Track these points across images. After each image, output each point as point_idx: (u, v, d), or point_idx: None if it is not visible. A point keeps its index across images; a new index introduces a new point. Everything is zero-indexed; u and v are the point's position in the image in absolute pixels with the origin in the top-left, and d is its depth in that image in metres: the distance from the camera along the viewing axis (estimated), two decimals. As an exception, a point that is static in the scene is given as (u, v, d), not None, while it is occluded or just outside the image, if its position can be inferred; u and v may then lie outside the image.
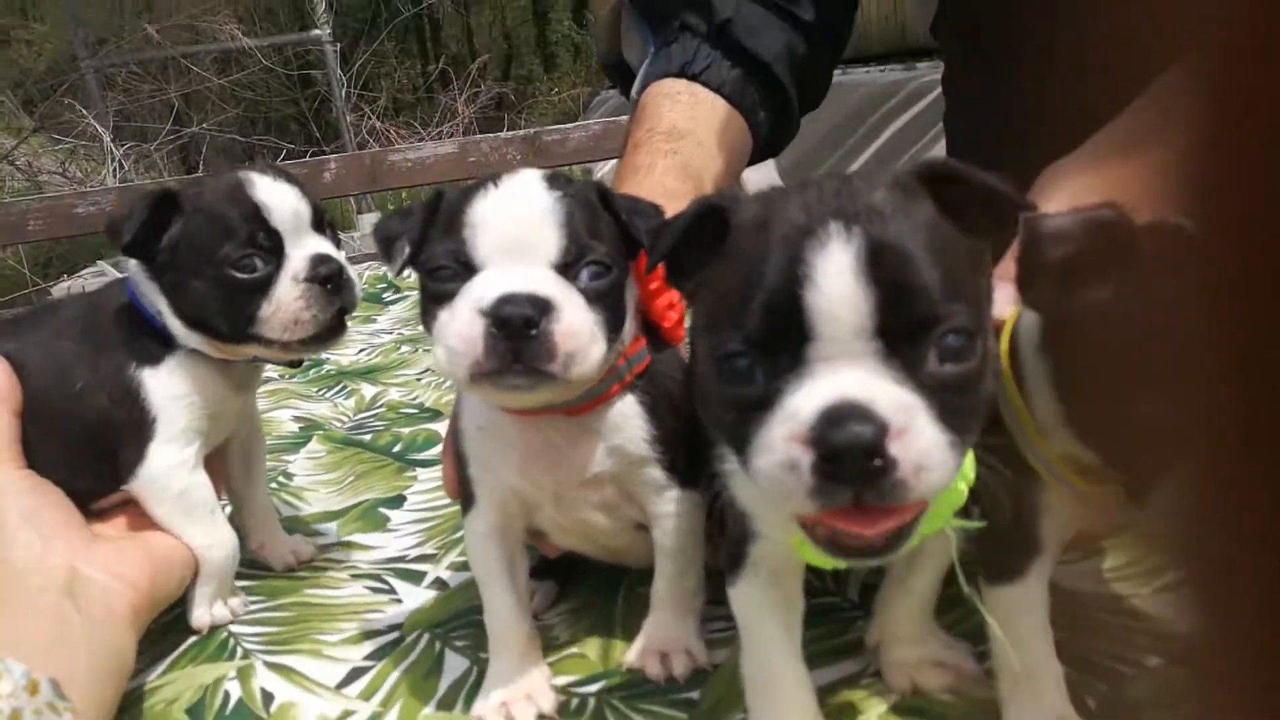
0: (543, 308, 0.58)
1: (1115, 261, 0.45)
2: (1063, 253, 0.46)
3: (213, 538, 0.80)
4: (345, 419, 1.37)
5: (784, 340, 0.44)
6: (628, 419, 0.67)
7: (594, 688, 0.69)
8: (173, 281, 0.77)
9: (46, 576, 0.68)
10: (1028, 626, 0.57)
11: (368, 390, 1.48)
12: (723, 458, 0.55)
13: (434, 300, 0.62)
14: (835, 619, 0.73)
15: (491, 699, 0.67)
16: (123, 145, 6.06)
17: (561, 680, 0.70)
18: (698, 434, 0.61)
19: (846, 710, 0.63)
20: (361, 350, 1.72)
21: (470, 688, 0.71)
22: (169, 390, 0.79)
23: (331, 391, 1.50)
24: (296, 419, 1.36)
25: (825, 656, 0.68)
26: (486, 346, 0.58)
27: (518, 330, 0.58)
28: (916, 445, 0.41)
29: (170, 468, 0.78)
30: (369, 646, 0.77)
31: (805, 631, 0.61)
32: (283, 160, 5.09)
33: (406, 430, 1.27)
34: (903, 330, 0.43)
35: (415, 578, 0.89)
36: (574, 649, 0.74)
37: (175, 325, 0.78)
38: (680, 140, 0.89)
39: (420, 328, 0.66)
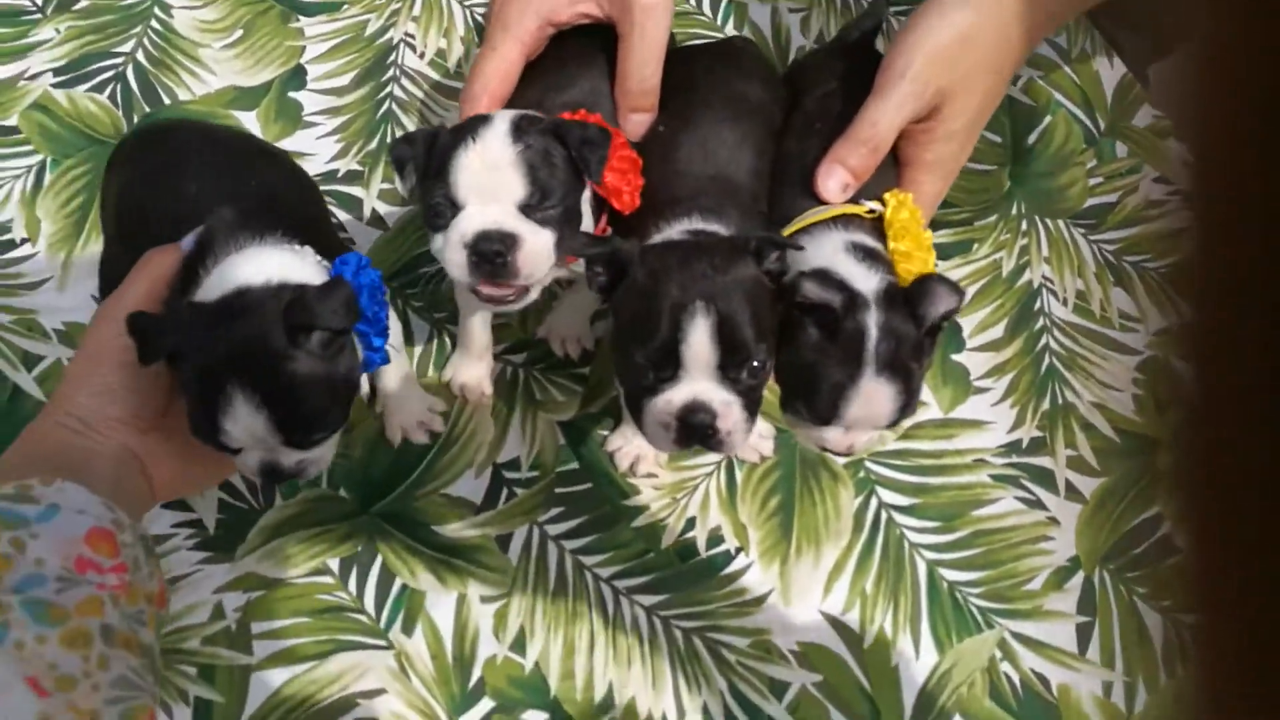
0: (509, 242, 0.78)
1: None
2: None
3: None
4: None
5: (668, 364, 0.75)
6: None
7: (520, 359, 1.04)
8: None
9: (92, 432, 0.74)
10: None
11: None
12: None
13: (432, 227, 0.82)
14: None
15: (458, 376, 1.01)
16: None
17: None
18: None
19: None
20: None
21: (436, 354, 1.03)
22: None
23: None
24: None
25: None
26: (470, 267, 0.80)
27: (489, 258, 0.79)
28: (730, 422, 0.76)
29: None
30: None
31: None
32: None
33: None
34: (730, 364, 0.75)
35: (353, 205, 1.12)
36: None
37: None
38: None
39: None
